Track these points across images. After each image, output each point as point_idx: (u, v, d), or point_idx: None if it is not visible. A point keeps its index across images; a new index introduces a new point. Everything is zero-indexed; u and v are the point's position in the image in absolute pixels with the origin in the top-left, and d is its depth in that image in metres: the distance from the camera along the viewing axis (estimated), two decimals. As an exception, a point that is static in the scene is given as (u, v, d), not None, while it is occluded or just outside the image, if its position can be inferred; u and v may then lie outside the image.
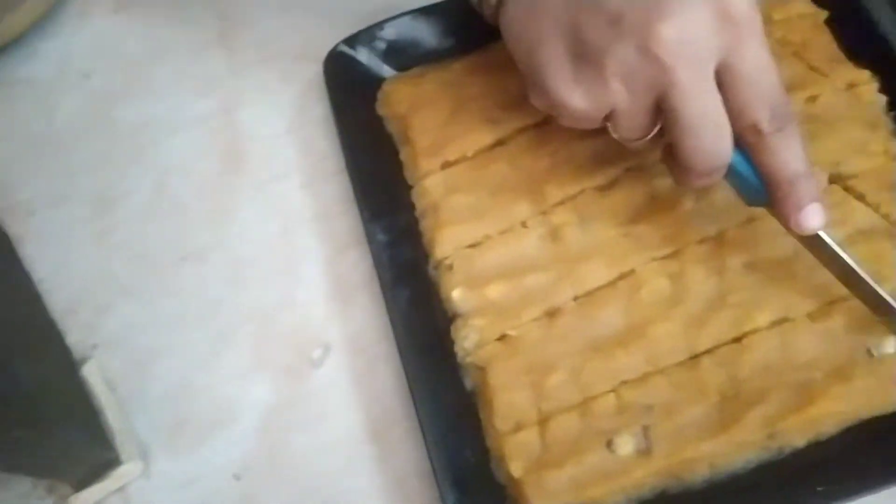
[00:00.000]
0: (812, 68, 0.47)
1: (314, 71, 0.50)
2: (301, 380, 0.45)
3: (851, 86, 0.46)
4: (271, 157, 0.49)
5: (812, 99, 0.46)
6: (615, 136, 0.39)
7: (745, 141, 0.37)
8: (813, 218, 0.37)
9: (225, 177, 0.49)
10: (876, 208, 0.43)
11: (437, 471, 0.39)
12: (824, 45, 0.48)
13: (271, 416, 0.44)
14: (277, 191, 0.49)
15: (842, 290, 0.41)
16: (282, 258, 0.47)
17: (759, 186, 0.38)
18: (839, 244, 0.41)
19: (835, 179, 0.44)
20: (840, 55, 0.47)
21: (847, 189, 0.44)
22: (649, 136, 0.38)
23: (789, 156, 0.37)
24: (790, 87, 0.45)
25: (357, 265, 0.47)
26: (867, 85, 0.46)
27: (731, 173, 0.39)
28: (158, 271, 0.47)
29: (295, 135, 0.50)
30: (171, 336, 0.46)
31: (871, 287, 0.39)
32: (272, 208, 0.48)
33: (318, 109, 0.50)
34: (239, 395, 0.45)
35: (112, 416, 0.45)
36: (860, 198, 0.44)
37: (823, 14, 0.49)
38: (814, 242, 0.39)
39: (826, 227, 0.39)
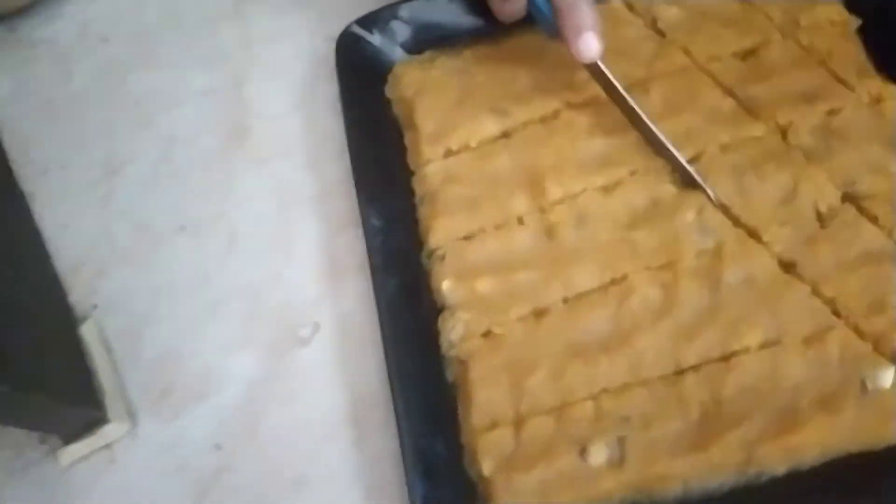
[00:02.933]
0: (837, 79, 0.45)
1: (327, 48, 0.50)
2: (287, 356, 0.45)
3: (877, 100, 0.44)
4: (276, 134, 0.49)
5: (833, 112, 0.44)
6: None
7: None
8: (590, 44, 0.41)
9: (228, 151, 0.49)
10: (889, 232, 0.41)
11: (407, 460, 0.39)
12: (853, 55, 0.46)
13: (255, 390, 0.45)
14: (279, 168, 0.49)
15: (841, 314, 0.40)
16: (277, 235, 0.47)
17: (551, 18, 0.42)
18: (845, 264, 0.40)
19: (848, 198, 0.42)
20: (869, 67, 0.45)
21: (860, 210, 0.42)
22: None
23: None
24: (811, 97, 0.44)
25: (352, 247, 0.47)
26: (894, 100, 0.44)
27: (532, 6, 0.43)
28: (157, 239, 0.48)
29: (302, 113, 0.50)
30: (164, 304, 0.47)
31: (650, 127, 0.43)
32: (272, 185, 0.48)
33: (328, 89, 0.50)
34: (225, 366, 0.45)
35: (104, 377, 0.46)
36: (873, 220, 0.42)
37: (856, 22, 0.46)
38: (597, 73, 0.43)
39: (603, 59, 0.43)
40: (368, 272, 0.44)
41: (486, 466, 0.39)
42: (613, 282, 0.42)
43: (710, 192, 0.42)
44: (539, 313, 0.42)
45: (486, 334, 0.42)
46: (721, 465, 0.38)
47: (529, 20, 0.46)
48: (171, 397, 0.45)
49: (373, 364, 0.44)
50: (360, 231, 0.45)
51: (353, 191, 0.46)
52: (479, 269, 0.43)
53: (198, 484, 0.43)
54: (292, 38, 0.52)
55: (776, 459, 0.38)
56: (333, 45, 0.49)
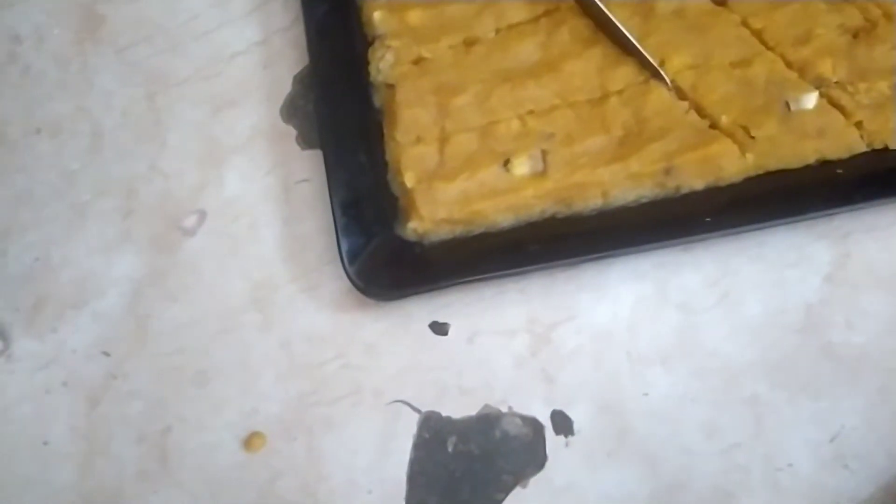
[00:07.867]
0: None
1: None
2: (172, 251, 0.42)
3: None
4: (133, 18, 0.46)
5: None
6: None
7: None
8: None
9: (82, 43, 0.45)
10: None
11: (331, 182, 0.39)
12: None
13: (140, 290, 0.41)
14: (140, 55, 0.45)
15: (769, 44, 0.40)
16: (146, 125, 0.44)
17: None
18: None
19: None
20: None
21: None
22: None
23: None
24: None
25: (231, 127, 0.43)
26: None
27: None
28: (10, 146, 0.44)
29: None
30: (26, 212, 0.42)
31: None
32: (134, 74, 0.45)
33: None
34: (103, 270, 0.41)
35: (-33, 297, 0.41)
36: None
37: None
38: None
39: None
40: (252, 152, 0.42)
41: (409, 178, 0.39)
42: (546, 13, 0.41)
43: (668, 81, 0.40)
44: (470, 42, 0.42)
45: (417, 61, 0.41)
46: (640, 174, 0.38)
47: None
48: (46, 310, 0.41)
49: (268, 246, 0.41)
50: (239, 110, 0.43)
51: (227, 73, 0.44)
52: (411, 1, 0.42)
53: (88, 395, 0.39)
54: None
55: (694, 172, 0.38)
56: None
